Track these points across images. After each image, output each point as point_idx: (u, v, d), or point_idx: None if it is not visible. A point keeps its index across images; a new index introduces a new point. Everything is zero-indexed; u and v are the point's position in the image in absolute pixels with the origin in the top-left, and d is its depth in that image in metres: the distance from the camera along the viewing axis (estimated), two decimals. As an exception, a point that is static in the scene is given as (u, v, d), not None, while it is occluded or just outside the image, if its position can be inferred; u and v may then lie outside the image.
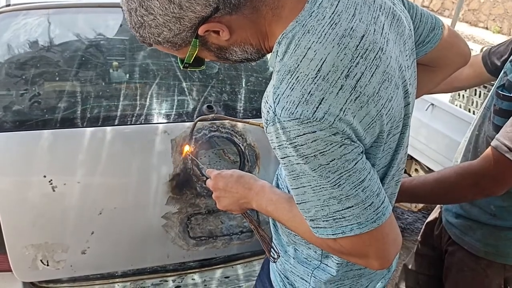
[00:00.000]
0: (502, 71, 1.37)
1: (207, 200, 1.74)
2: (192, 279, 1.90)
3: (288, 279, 1.15)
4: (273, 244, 1.19)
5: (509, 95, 1.26)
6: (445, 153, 3.07)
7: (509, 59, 1.35)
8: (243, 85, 2.07)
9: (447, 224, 1.56)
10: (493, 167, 1.19)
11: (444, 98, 3.37)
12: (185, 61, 0.93)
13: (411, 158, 3.62)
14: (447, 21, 1.28)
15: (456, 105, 3.39)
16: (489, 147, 1.21)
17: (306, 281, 1.10)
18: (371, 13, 0.88)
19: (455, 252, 1.53)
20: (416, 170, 3.68)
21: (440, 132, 3.15)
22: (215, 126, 1.71)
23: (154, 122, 1.73)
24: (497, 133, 1.23)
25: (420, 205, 3.71)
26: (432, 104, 3.23)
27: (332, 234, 0.86)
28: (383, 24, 0.89)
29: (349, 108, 0.79)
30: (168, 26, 0.84)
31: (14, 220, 1.58)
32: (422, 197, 1.39)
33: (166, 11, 0.81)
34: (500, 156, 1.17)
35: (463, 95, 3.38)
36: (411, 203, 3.72)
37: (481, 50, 3.07)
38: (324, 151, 0.78)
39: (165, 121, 1.74)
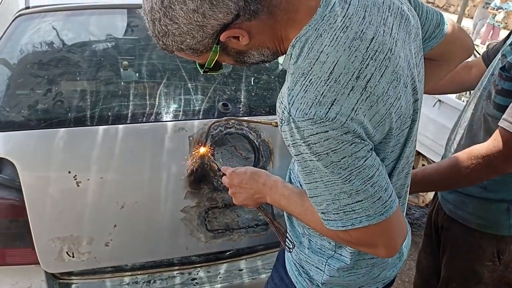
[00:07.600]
0: (500, 54, 1.41)
1: (224, 194, 1.79)
2: (207, 271, 1.94)
3: (303, 268, 1.19)
4: (287, 235, 1.23)
5: (511, 75, 1.31)
6: (452, 149, 3.09)
7: (509, 43, 1.40)
8: (257, 83, 2.11)
9: (442, 200, 1.63)
10: (503, 146, 1.24)
11: (451, 94, 3.39)
12: (205, 66, 0.96)
13: (418, 153, 3.64)
14: (452, 17, 1.34)
15: (463, 101, 3.42)
16: (498, 128, 1.26)
17: (320, 269, 1.14)
18: (380, 14, 0.91)
19: (451, 227, 1.60)
20: (423, 165, 3.71)
21: (447, 128, 3.16)
22: (231, 123, 1.77)
23: (172, 119, 1.78)
24: (499, 111, 1.30)
25: (427, 200, 3.74)
26: (440, 101, 3.26)
27: (342, 226, 0.90)
28: (392, 25, 0.93)
29: (360, 108, 0.83)
30: (191, 34, 0.87)
31: (41, 214, 1.62)
32: (437, 184, 1.45)
33: (190, 20, 0.84)
34: (509, 135, 1.22)
35: (470, 92, 3.40)
36: (419, 197, 3.76)
37: (487, 46, 3.10)
38: (335, 149, 0.83)
39: (183, 118, 1.79)
